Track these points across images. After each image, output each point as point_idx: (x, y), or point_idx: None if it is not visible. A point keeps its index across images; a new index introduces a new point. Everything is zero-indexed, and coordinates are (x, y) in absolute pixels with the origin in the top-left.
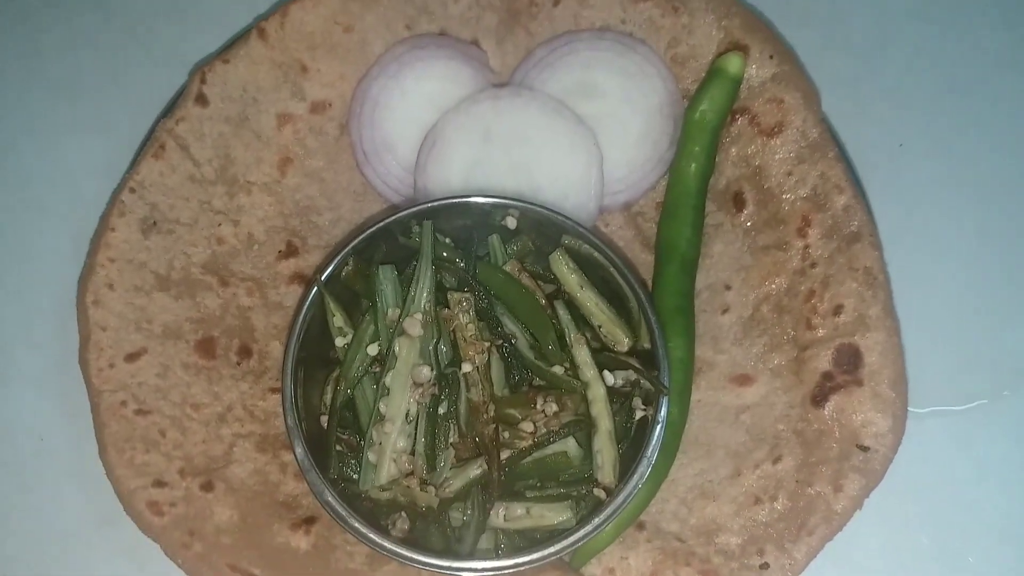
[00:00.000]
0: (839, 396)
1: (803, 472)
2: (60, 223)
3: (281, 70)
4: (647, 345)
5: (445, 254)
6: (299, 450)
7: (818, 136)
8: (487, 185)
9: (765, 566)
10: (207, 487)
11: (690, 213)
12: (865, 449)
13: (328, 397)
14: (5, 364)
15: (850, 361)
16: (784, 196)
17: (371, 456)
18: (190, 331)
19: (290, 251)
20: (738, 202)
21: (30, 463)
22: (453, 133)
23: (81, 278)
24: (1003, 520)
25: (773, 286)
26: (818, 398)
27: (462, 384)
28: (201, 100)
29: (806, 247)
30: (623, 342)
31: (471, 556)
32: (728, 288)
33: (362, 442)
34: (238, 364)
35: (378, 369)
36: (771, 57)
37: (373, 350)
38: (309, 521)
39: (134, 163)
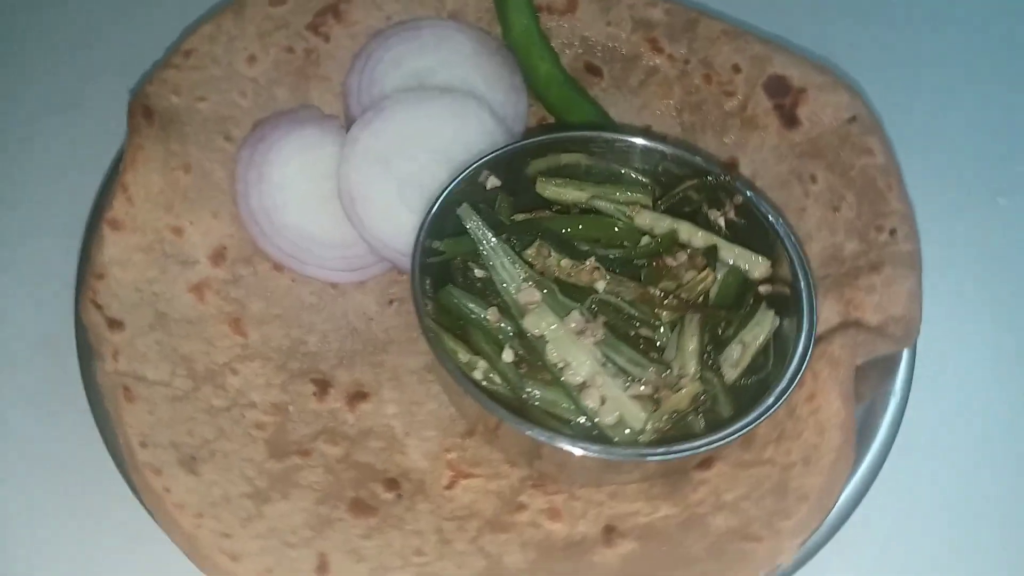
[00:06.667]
0: (800, 110)
1: (836, 169)
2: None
3: (155, 249)
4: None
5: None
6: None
7: None
8: (423, 194)
9: (892, 231)
10: None
11: (576, 94)
12: (852, 120)
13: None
14: None
15: (780, 85)
16: (619, 40)
17: (608, 419)
18: (332, 508)
19: (321, 386)
20: (593, 73)
21: None
22: (360, 182)
23: (192, 557)
24: None
25: (674, 100)
26: (788, 123)
27: (612, 299)
28: (115, 325)
29: (669, 56)
30: (647, 197)
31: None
32: (649, 127)
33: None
34: (400, 498)
35: (523, 368)
36: None
37: (508, 356)
38: None
39: (114, 422)
